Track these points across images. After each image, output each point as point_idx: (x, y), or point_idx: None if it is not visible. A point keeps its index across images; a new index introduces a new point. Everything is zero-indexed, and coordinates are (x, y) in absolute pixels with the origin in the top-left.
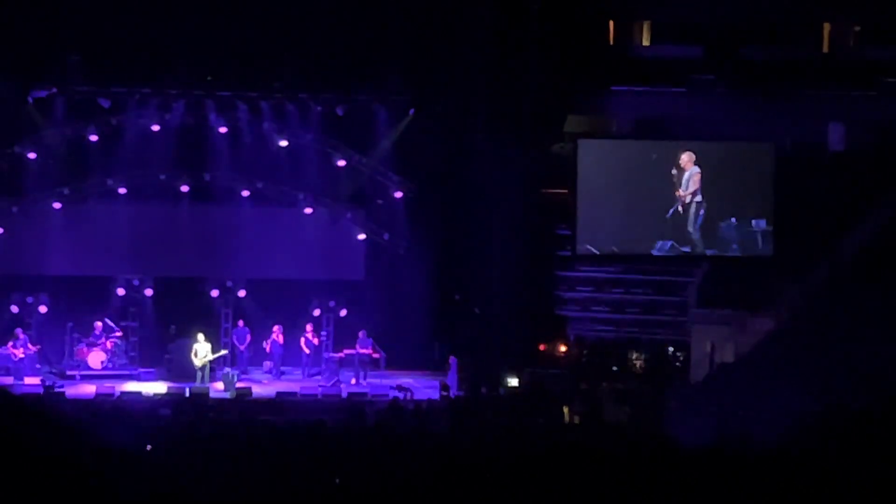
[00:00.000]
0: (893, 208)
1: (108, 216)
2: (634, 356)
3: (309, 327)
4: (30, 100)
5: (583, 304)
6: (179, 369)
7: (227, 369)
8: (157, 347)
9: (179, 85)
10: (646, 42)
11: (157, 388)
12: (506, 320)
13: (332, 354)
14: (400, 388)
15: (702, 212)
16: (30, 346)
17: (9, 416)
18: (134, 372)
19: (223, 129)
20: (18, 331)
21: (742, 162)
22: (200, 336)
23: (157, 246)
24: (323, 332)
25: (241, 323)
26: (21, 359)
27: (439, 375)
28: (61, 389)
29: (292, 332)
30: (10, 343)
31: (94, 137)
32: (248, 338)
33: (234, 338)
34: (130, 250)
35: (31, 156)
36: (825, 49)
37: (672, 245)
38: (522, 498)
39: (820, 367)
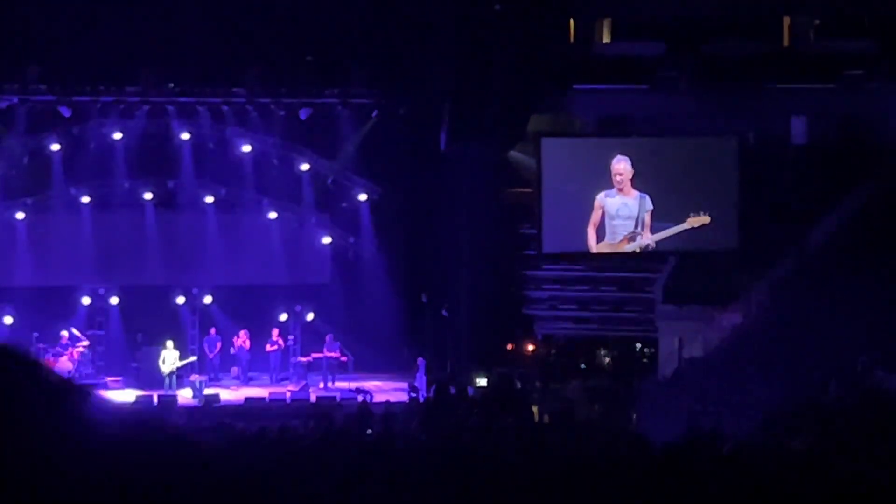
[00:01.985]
0: (858, 200)
1: (72, 225)
2: (603, 353)
3: (275, 332)
4: None
5: (550, 302)
6: (147, 377)
7: (195, 376)
8: (123, 356)
9: (141, 92)
10: (607, 40)
11: (124, 396)
12: (473, 321)
13: (299, 359)
14: (359, 390)
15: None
16: None
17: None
18: (101, 381)
19: (186, 136)
20: None
21: (706, 157)
22: (169, 343)
23: (121, 254)
24: (290, 337)
25: (213, 331)
26: None
27: (408, 377)
28: None
29: (259, 337)
30: None
31: (55, 147)
32: (219, 345)
33: (206, 345)
34: (95, 259)
35: None
36: (786, 43)
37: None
38: (494, 499)
39: (789, 361)
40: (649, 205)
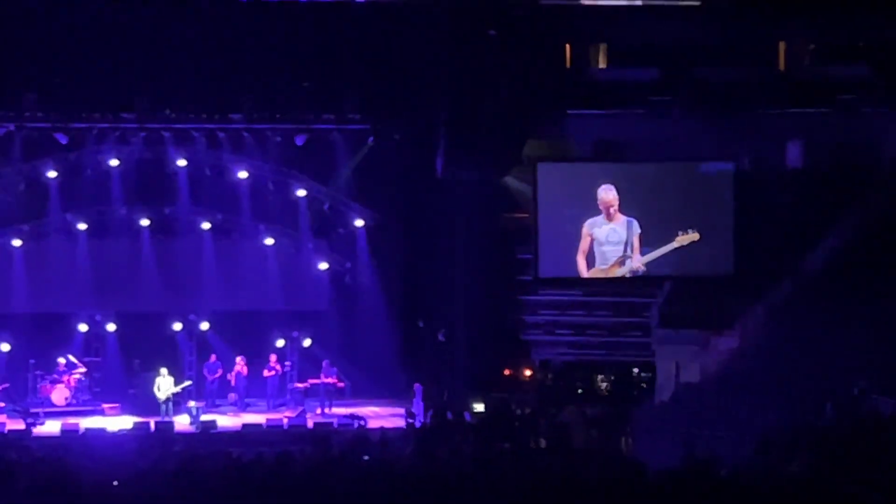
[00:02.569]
0: (853, 224)
1: (69, 252)
2: (600, 378)
3: (272, 358)
4: None
5: (546, 327)
6: (144, 403)
7: (192, 402)
8: (121, 382)
9: (137, 118)
10: (602, 65)
11: (122, 422)
12: (470, 346)
13: (296, 385)
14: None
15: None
16: None
17: None
18: (98, 407)
19: (182, 162)
20: None
21: (702, 181)
22: (163, 370)
23: (118, 281)
24: (287, 363)
25: (213, 357)
26: None
27: (405, 403)
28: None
29: (256, 363)
30: None
31: (52, 174)
32: (220, 371)
33: (206, 371)
34: (92, 286)
35: None
36: (781, 68)
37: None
38: None
39: (785, 385)
40: (637, 228)
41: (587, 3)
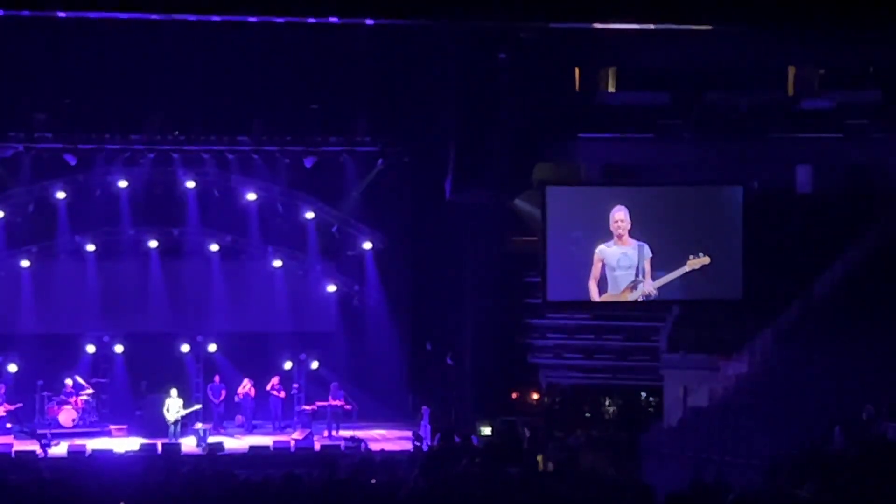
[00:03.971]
0: (863, 249)
1: (77, 273)
2: (607, 402)
3: (275, 380)
4: None
5: (554, 351)
6: (151, 425)
7: (199, 424)
8: (128, 404)
9: (146, 140)
10: (612, 89)
11: (129, 444)
12: (478, 369)
13: (304, 407)
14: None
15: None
16: (6, 405)
17: None
18: (105, 429)
19: (191, 184)
20: (0, 387)
21: (711, 205)
22: (173, 392)
23: (126, 302)
24: (294, 385)
25: (217, 378)
26: (1, 417)
27: (412, 426)
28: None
29: (263, 385)
30: None
31: (61, 195)
32: (224, 392)
33: (210, 392)
34: (100, 307)
35: None
36: (790, 93)
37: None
38: None
39: (793, 410)
40: (648, 253)
41: (599, 26)
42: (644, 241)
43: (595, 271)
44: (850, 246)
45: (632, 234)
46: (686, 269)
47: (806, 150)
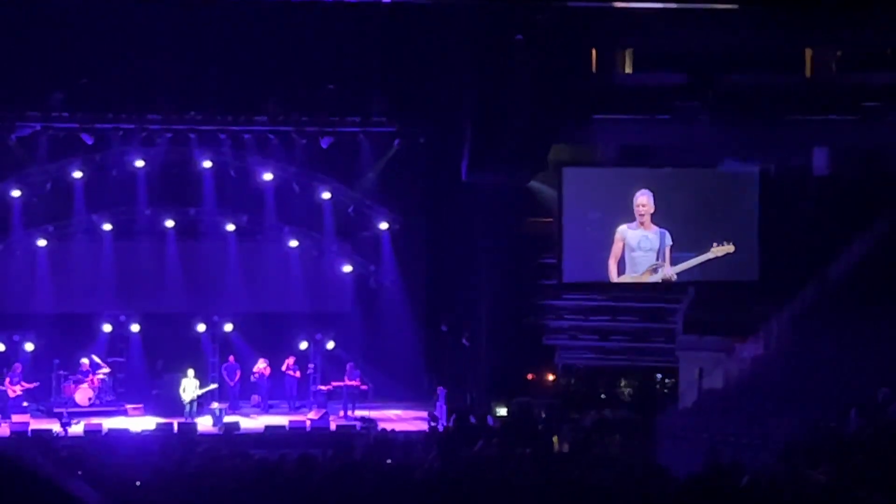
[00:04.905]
0: (879, 232)
1: (94, 253)
2: (623, 384)
3: (290, 360)
4: (12, 138)
5: (570, 332)
6: (167, 404)
7: (215, 404)
8: (144, 383)
9: (162, 120)
10: (628, 70)
11: (145, 423)
12: (493, 350)
13: (320, 387)
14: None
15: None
16: (23, 383)
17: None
18: (121, 408)
19: (207, 164)
20: (17, 366)
21: (727, 186)
22: (189, 372)
23: (142, 282)
24: (310, 365)
25: (231, 358)
26: (18, 396)
27: (428, 406)
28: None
29: (279, 365)
30: (8, 379)
31: (77, 174)
32: (238, 373)
33: (225, 372)
34: (116, 287)
35: (15, 194)
36: (808, 74)
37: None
38: None
39: (809, 392)
40: (669, 240)
41: (619, 4)
42: (665, 228)
43: (616, 250)
44: (866, 228)
45: (653, 219)
46: (710, 255)
47: (822, 132)
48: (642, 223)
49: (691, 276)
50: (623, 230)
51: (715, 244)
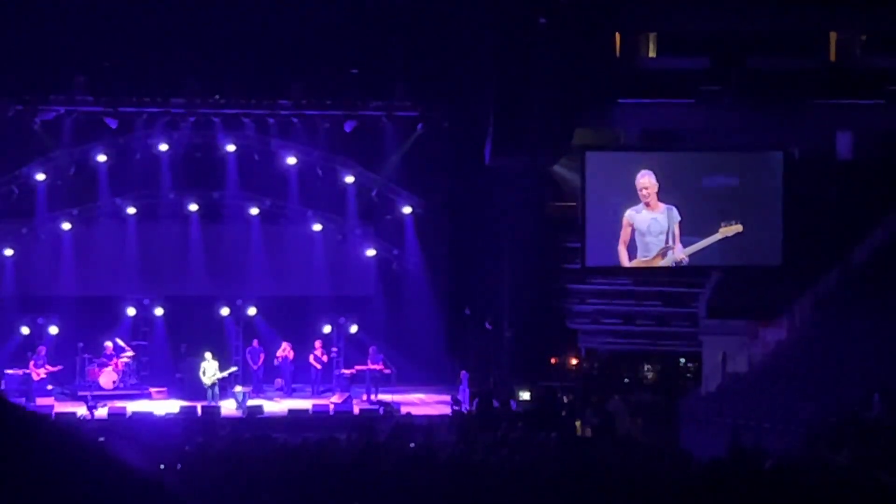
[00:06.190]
0: None
1: (118, 236)
2: (646, 368)
3: (318, 344)
4: (37, 122)
5: (593, 316)
6: (191, 387)
7: (239, 387)
8: (168, 366)
9: (186, 103)
10: (652, 54)
11: (168, 406)
12: (517, 334)
13: (343, 371)
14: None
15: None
16: (48, 366)
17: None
18: (145, 391)
19: (231, 148)
20: (42, 349)
21: (751, 170)
22: (208, 355)
23: (166, 265)
24: (333, 349)
25: (255, 342)
26: (42, 379)
27: (451, 390)
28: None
29: (302, 349)
30: (32, 362)
31: (102, 158)
32: (262, 356)
33: (248, 356)
34: (140, 270)
35: (40, 177)
36: (832, 58)
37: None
38: None
39: (832, 376)
40: (677, 216)
41: None
42: (673, 205)
43: (624, 235)
44: (889, 212)
45: (664, 198)
46: (718, 236)
47: (846, 116)
48: (648, 204)
49: (715, 260)
50: (630, 214)
51: (723, 224)
